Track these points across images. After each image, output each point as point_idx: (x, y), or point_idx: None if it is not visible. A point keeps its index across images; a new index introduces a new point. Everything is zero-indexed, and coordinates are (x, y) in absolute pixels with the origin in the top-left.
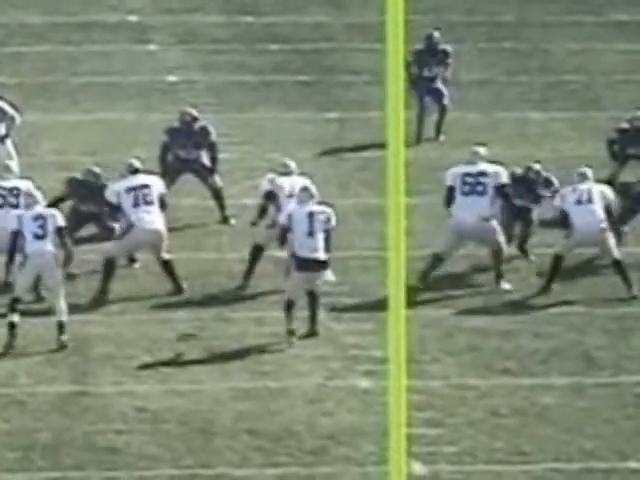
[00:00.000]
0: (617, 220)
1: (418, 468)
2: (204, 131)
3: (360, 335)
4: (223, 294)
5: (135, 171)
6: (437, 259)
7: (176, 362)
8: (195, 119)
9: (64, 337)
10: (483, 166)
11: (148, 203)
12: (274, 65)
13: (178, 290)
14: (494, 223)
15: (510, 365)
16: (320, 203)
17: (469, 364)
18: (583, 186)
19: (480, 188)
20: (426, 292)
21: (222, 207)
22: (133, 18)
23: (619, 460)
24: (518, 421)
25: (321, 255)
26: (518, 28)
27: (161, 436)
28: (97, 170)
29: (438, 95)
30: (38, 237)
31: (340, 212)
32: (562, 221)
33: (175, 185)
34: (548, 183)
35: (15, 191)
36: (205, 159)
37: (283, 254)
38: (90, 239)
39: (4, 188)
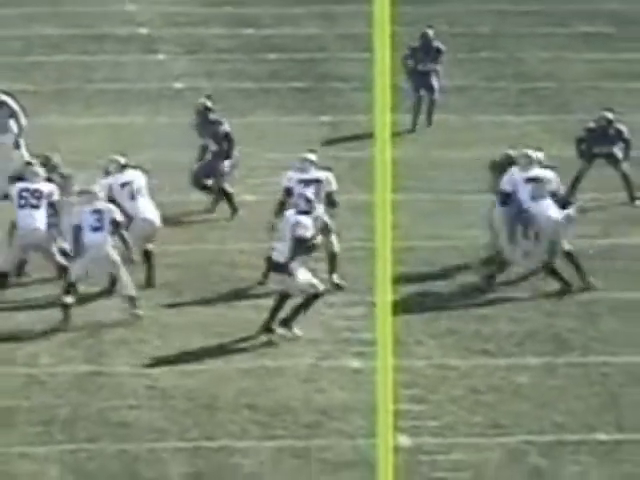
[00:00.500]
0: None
1: (404, 440)
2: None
3: (350, 319)
4: (225, 283)
5: (123, 167)
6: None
7: (183, 344)
8: (209, 109)
9: (138, 311)
10: (537, 171)
11: (142, 196)
12: (272, 73)
13: (149, 283)
14: None
15: (488, 347)
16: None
17: (450, 346)
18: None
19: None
20: (410, 281)
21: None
22: (143, 30)
23: (588, 433)
24: (495, 398)
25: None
26: (494, 39)
27: (169, 411)
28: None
29: (430, 89)
30: (95, 229)
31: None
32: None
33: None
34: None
35: (37, 193)
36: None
37: None
38: None
39: (28, 190)
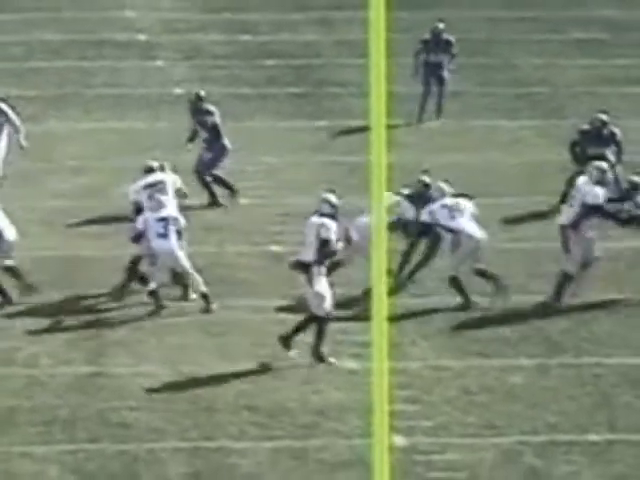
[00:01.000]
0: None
1: (399, 440)
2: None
3: (346, 321)
4: (224, 285)
5: (150, 170)
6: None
7: (183, 345)
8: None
9: (212, 305)
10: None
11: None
12: (269, 78)
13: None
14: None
15: (482, 348)
16: None
17: (444, 347)
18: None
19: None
20: (406, 283)
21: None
22: (142, 37)
23: (580, 433)
24: (489, 398)
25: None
26: (488, 45)
27: (168, 412)
28: None
29: (441, 81)
30: (161, 236)
31: None
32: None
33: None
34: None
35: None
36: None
37: (279, 248)
38: None
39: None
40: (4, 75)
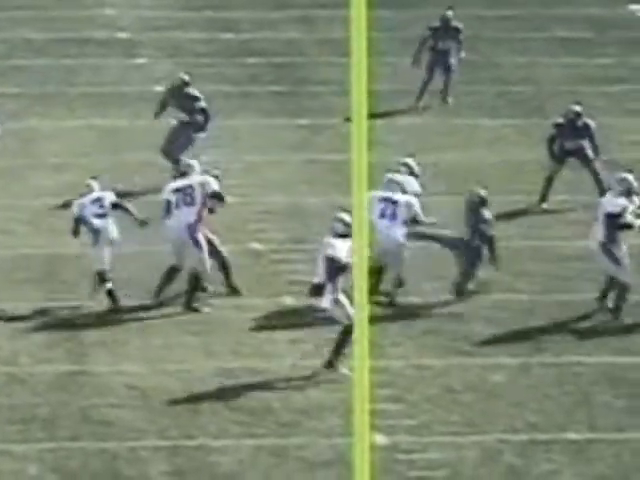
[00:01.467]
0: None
1: (380, 439)
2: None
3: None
4: (207, 284)
5: (183, 173)
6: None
7: (165, 344)
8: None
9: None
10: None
11: (187, 203)
12: (250, 77)
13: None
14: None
15: (463, 347)
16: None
17: (426, 346)
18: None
19: None
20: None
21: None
22: (123, 35)
23: (559, 432)
24: (470, 397)
25: None
26: (472, 43)
27: (149, 411)
28: None
29: (447, 68)
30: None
31: (311, 208)
32: None
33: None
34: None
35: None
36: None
37: (260, 246)
38: None
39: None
40: None
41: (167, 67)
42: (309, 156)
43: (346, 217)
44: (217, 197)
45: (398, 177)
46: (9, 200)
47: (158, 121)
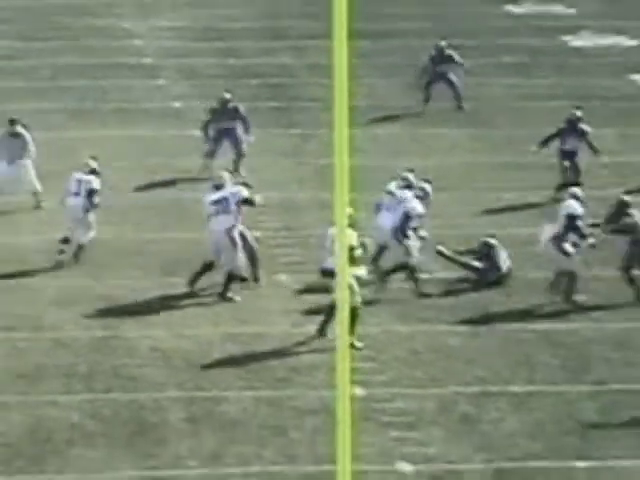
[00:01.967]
0: None
1: (359, 391)
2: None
3: (316, 293)
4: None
5: (219, 186)
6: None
7: (181, 313)
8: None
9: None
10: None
11: (224, 212)
12: (252, 95)
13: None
14: None
15: (426, 315)
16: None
17: (396, 315)
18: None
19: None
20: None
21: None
22: (148, 60)
23: (505, 385)
24: (431, 357)
25: None
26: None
27: (169, 368)
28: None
29: (450, 83)
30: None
31: (300, 203)
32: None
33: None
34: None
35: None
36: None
37: (258, 233)
38: None
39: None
40: (36, 92)
41: (184, 88)
42: (300, 160)
43: (350, 211)
44: (248, 202)
45: (400, 192)
46: (55, 198)
47: (177, 132)
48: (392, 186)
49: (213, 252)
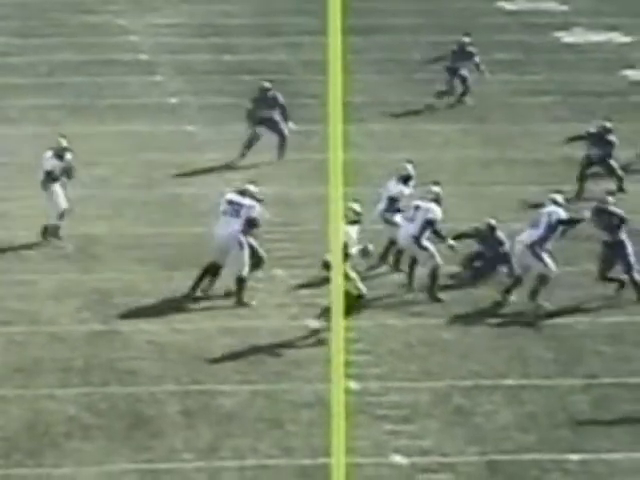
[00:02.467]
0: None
1: (353, 385)
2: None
3: (311, 288)
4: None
5: (242, 192)
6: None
7: (178, 307)
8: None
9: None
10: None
11: (234, 216)
12: (248, 91)
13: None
14: None
15: (421, 309)
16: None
17: (390, 308)
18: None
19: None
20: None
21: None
22: (144, 57)
23: (498, 378)
24: (426, 350)
25: None
26: (425, 65)
27: (165, 362)
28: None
29: (463, 79)
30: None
31: (299, 198)
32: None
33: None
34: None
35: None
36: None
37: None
38: None
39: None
40: (34, 88)
41: (179, 84)
42: (298, 155)
43: (356, 206)
44: (251, 223)
45: (422, 204)
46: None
47: (172, 127)
48: (398, 188)
49: (216, 251)
